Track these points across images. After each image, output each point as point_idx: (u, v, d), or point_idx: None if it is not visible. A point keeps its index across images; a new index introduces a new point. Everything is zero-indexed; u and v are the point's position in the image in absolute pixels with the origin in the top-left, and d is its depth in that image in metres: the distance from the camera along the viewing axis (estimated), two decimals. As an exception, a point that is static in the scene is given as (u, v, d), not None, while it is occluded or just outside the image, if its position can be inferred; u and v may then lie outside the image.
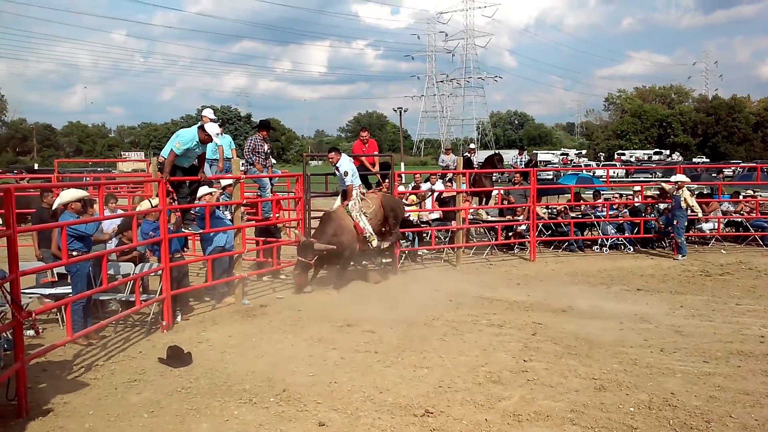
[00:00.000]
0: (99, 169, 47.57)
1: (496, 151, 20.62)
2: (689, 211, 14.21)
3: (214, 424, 5.58)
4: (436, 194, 14.79)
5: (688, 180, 14.85)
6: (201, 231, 9.65)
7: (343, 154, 11.95)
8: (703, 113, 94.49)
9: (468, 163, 18.18)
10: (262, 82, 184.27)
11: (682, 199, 14.02)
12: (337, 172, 11.74)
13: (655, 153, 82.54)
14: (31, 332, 6.90)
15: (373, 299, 10.30)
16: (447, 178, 16.46)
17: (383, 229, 11.75)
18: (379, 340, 7.97)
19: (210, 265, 9.59)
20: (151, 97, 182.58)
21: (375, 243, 11.36)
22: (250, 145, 12.29)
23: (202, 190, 9.92)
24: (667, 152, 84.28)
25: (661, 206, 15.43)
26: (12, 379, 5.78)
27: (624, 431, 5.34)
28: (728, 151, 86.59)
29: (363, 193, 11.73)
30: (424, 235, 14.17)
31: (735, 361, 7.10)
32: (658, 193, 16.20)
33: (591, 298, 10.45)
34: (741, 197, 16.55)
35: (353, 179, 11.50)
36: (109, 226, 9.53)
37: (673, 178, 14.69)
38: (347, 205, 11.32)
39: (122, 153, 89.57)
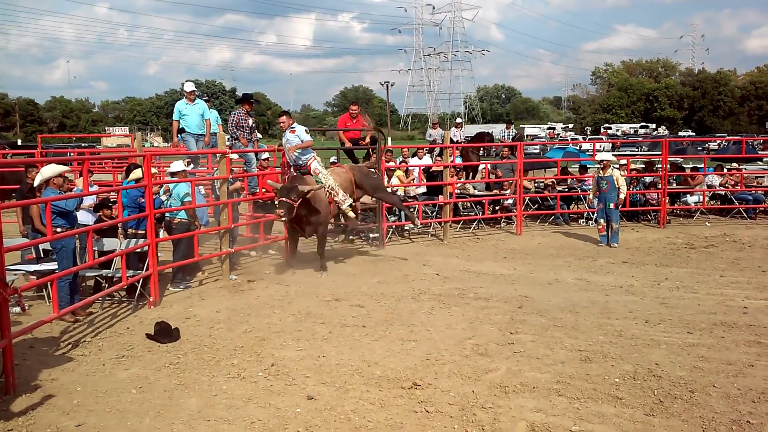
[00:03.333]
0: (83, 144, 47.05)
1: (488, 131, 20.54)
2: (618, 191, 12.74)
3: (202, 398, 5.60)
4: (423, 168, 14.78)
5: (614, 158, 13.35)
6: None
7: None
8: (690, 87, 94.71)
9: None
10: (248, 56, 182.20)
11: (615, 179, 12.71)
12: (287, 142, 10.63)
13: (642, 127, 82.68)
14: (18, 309, 6.89)
15: (361, 274, 10.34)
16: (435, 153, 16.45)
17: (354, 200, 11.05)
18: (367, 315, 8.00)
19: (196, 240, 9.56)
20: (135, 71, 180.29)
21: (351, 213, 10.82)
22: (233, 120, 12.21)
23: (177, 165, 9.84)
24: (654, 126, 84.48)
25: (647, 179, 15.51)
26: (-1, 355, 5.76)
27: (609, 402, 5.41)
28: (714, 125, 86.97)
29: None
30: (411, 209, 14.16)
31: (719, 332, 7.18)
32: (643, 166, 16.29)
33: (577, 270, 10.52)
34: (725, 170, 16.64)
35: (310, 151, 10.71)
36: (86, 201, 9.48)
37: (598, 157, 13.46)
38: (318, 174, 10.56)
39: (106, 128, 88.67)
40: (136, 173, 9.21)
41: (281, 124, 10.79)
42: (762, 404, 5.30)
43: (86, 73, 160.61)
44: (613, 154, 14.06)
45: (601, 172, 12.98)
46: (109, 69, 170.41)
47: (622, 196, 12.88)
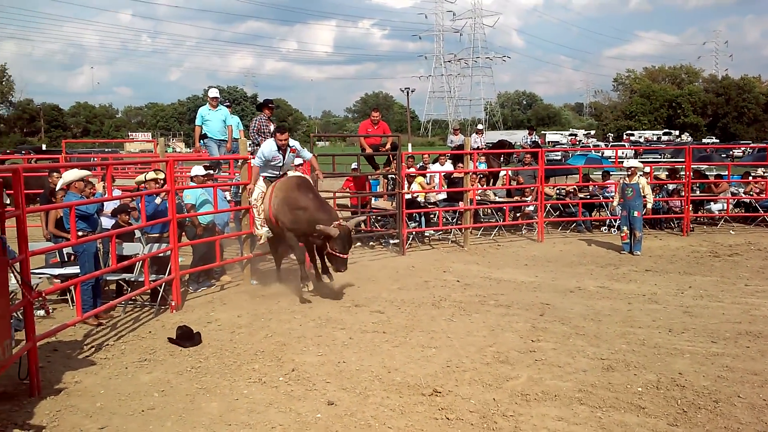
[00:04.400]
0: (106, 149, 47.60)
1: (510, 141, 20.54)
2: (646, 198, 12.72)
3: (223, 403, 5.62)
4: (444, 174, 14.76)
5: (641, 165, 13.28)
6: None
7: None
8: (713, 93, 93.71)
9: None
10: (269, 62, 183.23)
11: (641, 187, 12.58)
12: (282, 155, 9.40)
13: (665, 133, 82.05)
14: (42, 312, 6.96)
15: (381, 280, 10.33)
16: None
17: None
18: (387, 321, 7.99)
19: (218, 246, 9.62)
20: (158, 77, 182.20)
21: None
22: (255, 126, 12.28)
23: (196, 170, 9.92)
24: (677, 133, 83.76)
25: (670, 187, 15.38)
26: (23, 358, 5.82)
27: (632, 411, 5.35)
28: (738, 132, 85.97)
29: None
30: (432, 215, 14.15)
31: (743, 341, 7.09)
32: (667, 174, 16.14)
33: (599, 278, 10.44)
34: (750, 178, 16.43)
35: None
36: (109, 207, 9.57)
37: (626, 164, 13.38)
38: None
39: (129, 133, 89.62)
40: (139, 177, 9.28)
41: (282, 142, 9.31)
42: (789, 415, 5.22)
43: (110, 79, 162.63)
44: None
45: (627, 179, 12.83)
46: (133, 75, 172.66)
47: (649, 205, 12.82)
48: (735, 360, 6.51)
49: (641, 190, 12.60)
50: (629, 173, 12.82)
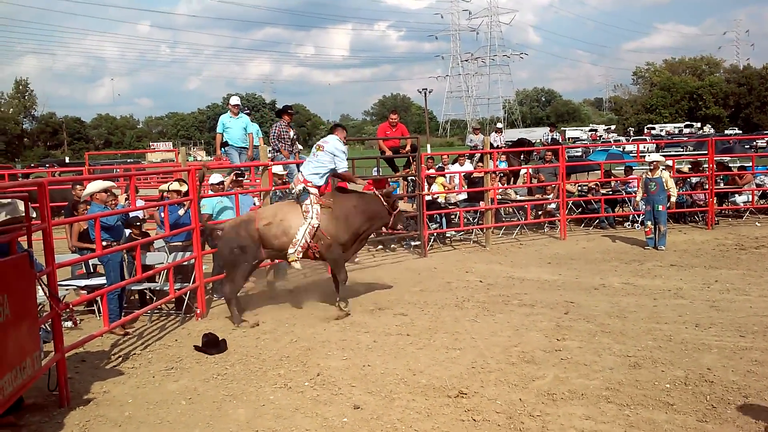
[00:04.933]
0: (129, 160, 48.09)
1: (530, 139, 20.50)
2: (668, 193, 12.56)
3: (250, 409, 5.65)
4: (464, 174, 14.73)
5: (663, 159, 13.21)
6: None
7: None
8: (735, 84, 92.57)
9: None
10: (286, 68, 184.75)
11: (664, 181, 12.49)
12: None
13: (686, 126, 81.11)
14: (69, 323, 7.06)
15: (403, 282, 10.32)
16: (476, 158, 16.37)
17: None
18: (410, 323, 7.99)
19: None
20: (177, 86, 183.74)
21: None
22: (275, 132, 12.33)
23: (215, 178, 9.99)
24: (699, 125, 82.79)
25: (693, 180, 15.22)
26: (52, 370, 5.90)
27: (660, 408, 5.30)
28: (761, 122, 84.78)
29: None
30: (453, 216, 14.12)
31: (772, 335, 7.00)
32: (690, 167, 15.97)
33: (623, 274, 10.35)
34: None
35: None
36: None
37: (648, 158, 13.30)
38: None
39: (151, 144, 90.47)
40: (162, 186, 9.36)
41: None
42: (820, 409, 5.14)
43: (130, 91, 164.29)
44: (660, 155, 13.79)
45: (650, 173, 12.74)
46: (152, 85, 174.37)
47: (673, 199, 12.69)
48: (764, 354, 6.42)
49: (664, 184, 12.48)
50: (651, 167, 12.72)
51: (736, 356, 6.39)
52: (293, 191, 8.89)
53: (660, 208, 12.41)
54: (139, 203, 10.42)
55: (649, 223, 12.56)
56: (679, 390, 5.63)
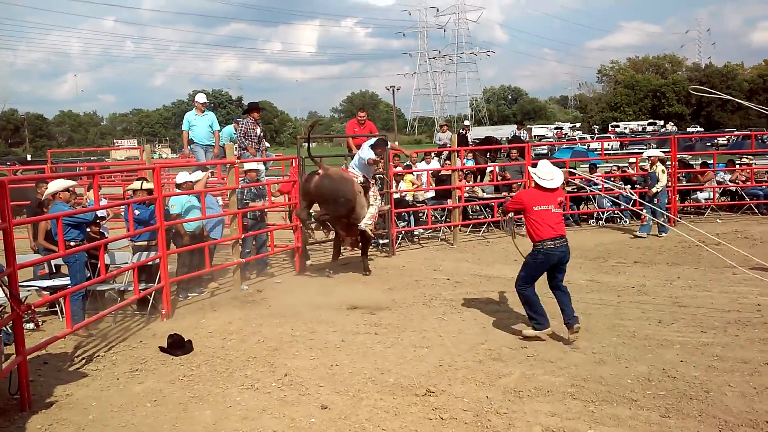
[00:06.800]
0: (92, 158, 47.33)
1: (496, 137, 20.63)
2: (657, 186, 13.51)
3: (216, 410, 5.61)
4: (431, 172, 14.77)
5: (661, 154, 14.22)
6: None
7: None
8: (697, 82, 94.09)
9: (463, 140, 18.18)
10: (253, 65, 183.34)
11: (657, 175, 13.48)
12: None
13: (650, 124, 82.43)
14: (31, 325, 6.94)
15: (371, 281, 10.34)
16: (444, 156, 16.42)
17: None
18: (378, 322, 8.00)
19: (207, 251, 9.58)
20: (142, 83, 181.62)
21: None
22: (241, 129, 12.21)
23: (182, 176, 9.87)
24: (662, 123, 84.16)
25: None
26: (14, 373, 5.79)
27: (624, 404, 5.39)
28: (722, 120, 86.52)
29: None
30: (421, 214, 14.15)
31: (733, 330, 7.15)
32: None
33: (588, 271, 10.49)
34: (736, 166, 16.53)
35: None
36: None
37: (646, 153, 14.47)
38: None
39: (115, 141, 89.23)
40: (135, 185, 9.23)
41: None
42: (779, 403, 5.27)
43: (94, 87, 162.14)
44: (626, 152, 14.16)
45: (649, 168, 13.80)
46: (116, 82, 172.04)
47: (654, 189, 13.50)
48: (725, 349, 6.56)
49: (657, 177, 13.43)
50: (650, 162, 13.75)
51: (697, 352, 6.52)
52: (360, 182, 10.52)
53: (656, 200, 13.39)
54: (103, 202, 10.28)
55: (644, 212, 13.42)
56: (642, 386, 5.73)
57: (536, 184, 7.13)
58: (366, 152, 10.58)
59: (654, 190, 13.40)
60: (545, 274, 7.16)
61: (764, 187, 15.95)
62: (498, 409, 5.36)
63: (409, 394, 5.76)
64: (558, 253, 6.99)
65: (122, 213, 10.15)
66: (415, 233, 14.04)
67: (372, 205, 10.72)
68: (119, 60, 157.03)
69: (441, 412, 5.35)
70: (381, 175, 12.65)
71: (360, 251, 11.29)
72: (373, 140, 10.88)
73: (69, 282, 8.09)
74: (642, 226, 13.54)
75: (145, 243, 9.14)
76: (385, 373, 6.27)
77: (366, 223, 10.54)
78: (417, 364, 6.51)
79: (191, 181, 9.87)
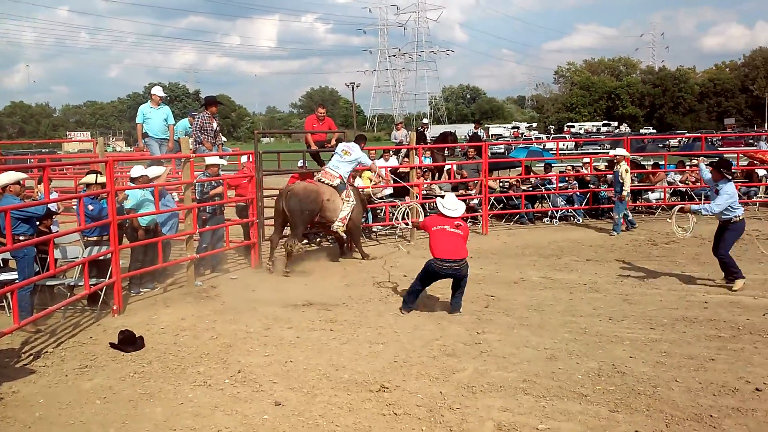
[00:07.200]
0: (44, 150, 46.26)
1: (451, 131, 20.74)
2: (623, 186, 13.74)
3: (168, 407, 5.53)
4: (390, 169, 14.78)
5: (627, 153, 14.41)
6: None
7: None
8: (651, 85, 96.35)
9: (422, 137, 18.26)
10: (211, 58, 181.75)
11: (620, 174, 13.72)
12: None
13: (604, 125, 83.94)
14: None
15: (328, 278, 10.31)
16: (401, 154, 16.46)
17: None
18: (334, 318, 7.98)
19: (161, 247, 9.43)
20: (96, 75, 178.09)
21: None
22: (197, 123, 12.04)
23: (136, 171, 9.71)
24: (616, 124, 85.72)
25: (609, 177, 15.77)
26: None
27: (575, 399, 5.47)
28: (674, 122, 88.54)
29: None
30: (378, 211, 14.16)
31: (680, 327, 7.32)
32: (606, 164, 16.52)
33: (542, 269, 10.63)
34: (686, 167, 16.92)
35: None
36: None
37: (612, 152, 14.75)
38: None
39: (68, 133, 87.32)
40: (87, 178, 9.04)
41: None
42: (722, 397, 5.42)
43: (46, 77, 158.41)
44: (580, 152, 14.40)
45: (616, 167, 13.97)
46: (70, 73, 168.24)
47: (624, 193, 13.69)
48: (672, 345, 6.71)
49: (620, 177, 13.66)
50: (616, 161, 13.98)
51: (646, 348, 6.66)
52: (331, 184, 11.16)
53: (618, 198, 13.68)
54: (54, 196, 10.05)
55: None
56: (592, 381, 5.83)
57: (439, 212, 8.25)
58: (366, 158, 11.70)
59: (624, 194, 13.65)
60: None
61: (713, 188, 16.35)
62: (451, 405, 5.40)
63: (363, 390, 5.76)
64: (449, 271, 7.93)
65: (74, 207, 9.91)
66: (373, 230, 14.05)
67: (345, 202, 11.24)
68: (73, 51, 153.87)
69: (395, 408, 5.37)
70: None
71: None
72: (355, 143, 11.81)
73: (17, 276, 7.88)
74: (615, 226, 13.89)
75: (99, 238, 8.96)
76: (340, 370, 6.26)
77: (338, 224, 11.18)
78: (372, 360, 6.52)
79: (147, 176, 9.71)
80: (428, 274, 8.10)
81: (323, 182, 11.24)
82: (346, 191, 11.35)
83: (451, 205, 8.26)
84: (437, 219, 8.25)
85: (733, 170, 9.31)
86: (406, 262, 11.35)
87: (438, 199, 8.59)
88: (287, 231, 11.25)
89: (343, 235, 11.63)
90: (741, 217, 9.03)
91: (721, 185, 8.94)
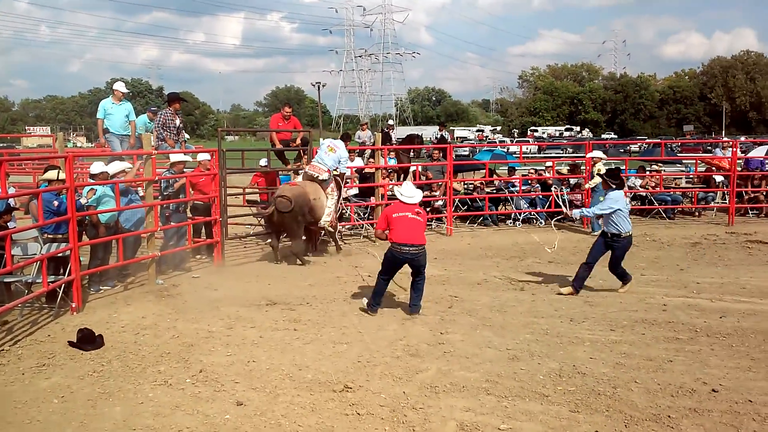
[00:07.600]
0: (1, 144, 45.21)
1: (417, 133, 20.82)
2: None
3: (127, 407, 5.45)
4: (355, 170, 14.77)
5: (603, 155, 14.84)
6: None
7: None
8: (612, 91, 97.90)
9: (387, 138, 18.28)
10: (175, 54, 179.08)
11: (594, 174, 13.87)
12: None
13: (567, 129, 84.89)
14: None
15: (292, 277, 10.26)
16: (367, 155, 16.46)
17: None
18: (298, 318, 7.94)
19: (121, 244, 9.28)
20: (57, 69, 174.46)
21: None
22: (160, 120, 11.91)
23: (96, 167, 9.56)
24: (578, 128, 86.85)
25: (571, 181, 15.98)
26: None
27: (536, 399, 5.53)
28: (635, 128, 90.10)
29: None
30: (343, 211, 14.13)
31: (639, 328, 7.44)
32: (569, 168, 16.74)
33: (504, 270, 10.72)
34: (646, 172, 17.21)
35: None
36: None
37: (589, 155, 15.04)
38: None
39: (26, 128, 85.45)
40: (49, 174, 8.87)
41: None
42: (680, 398, 5.52)
43: (5, 71, 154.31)
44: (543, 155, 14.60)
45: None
46: (30, 66, 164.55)
47: (588, 186, 14.29)
48: (632, 347, 6.82)
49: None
50: (594, 162, 14.38)
51: (606, 349, 6.76)
52: (320, 177, 11.49)
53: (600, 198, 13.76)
54: (11, 191, 9.81)
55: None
56: (554, 381, 5.90)
57: (398, 199, 8.29)
58: (345, 163, 12.19)
59: (588, 186, 14.13)
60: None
61: (672, 193, 16.70)
62: (414, 405, 5.42)
63: (326, 390, 5.75)
64: (408, 256, 7.98)
65: (33, 203, 9.68)
66: (338, 230, 14.00)
67: (330, 197, 11.69)
68: (33, 44, 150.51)
69: (358, 408, 5.37)
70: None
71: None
72: (340, 141, 12.34)
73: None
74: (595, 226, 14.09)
75: (63, 235, 8.77)
76: (303, 370, 6.24)
77: (325, 220, 11.66)
78: (336, 360, 6.51)
79: (107, 173, 9.54)
80: (389, 262, 8.15)
81: (312, 176, 11.49)
82: (331, 187, 11.76)
83: (409, 192, 8.34)
84: (399, 206, 8.26)
85: (621, 178, 9.52)
86: (371, 262, 11.34)
87: (396, 188, 8.72)
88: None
89: (331, 229, 11.94)
90: (628, 233, 9.08)
91: (610, 193, 9.19)
